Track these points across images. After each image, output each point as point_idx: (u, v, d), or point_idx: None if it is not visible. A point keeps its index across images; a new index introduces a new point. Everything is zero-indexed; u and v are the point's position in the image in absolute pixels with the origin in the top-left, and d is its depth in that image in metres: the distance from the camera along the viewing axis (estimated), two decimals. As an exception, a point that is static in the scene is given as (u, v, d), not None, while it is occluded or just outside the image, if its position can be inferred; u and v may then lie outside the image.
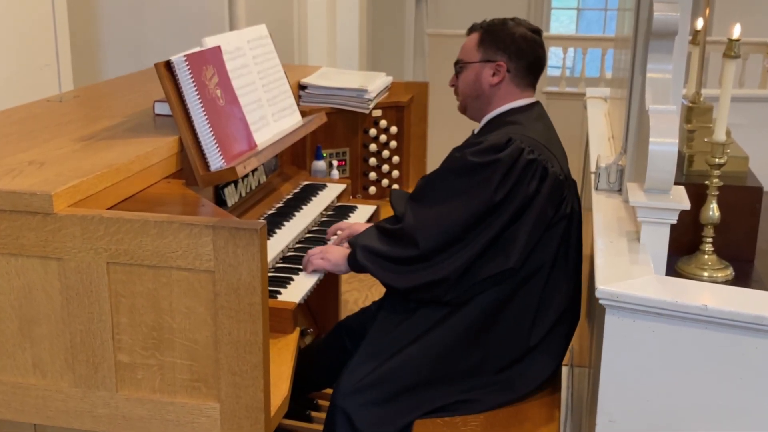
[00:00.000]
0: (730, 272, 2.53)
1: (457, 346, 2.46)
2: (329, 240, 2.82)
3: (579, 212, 2.58)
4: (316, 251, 2.58)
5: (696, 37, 3.06)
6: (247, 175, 2.83)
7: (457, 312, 2.46)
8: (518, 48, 2.62)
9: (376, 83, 3.50)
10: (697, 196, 2.51)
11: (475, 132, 2.71)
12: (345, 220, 2.84)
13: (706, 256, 2.54)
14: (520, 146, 2.42)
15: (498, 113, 2.64)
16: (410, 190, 2.81)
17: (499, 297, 2.46)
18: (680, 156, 2.53)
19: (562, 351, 2.61)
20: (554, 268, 2.50)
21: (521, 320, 2.48)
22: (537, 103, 2.68)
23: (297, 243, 2.77)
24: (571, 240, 2.54)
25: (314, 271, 2.55)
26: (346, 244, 2.65)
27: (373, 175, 3.57)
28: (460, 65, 2.71)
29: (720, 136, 2.47)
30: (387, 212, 2.81)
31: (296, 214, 2.92)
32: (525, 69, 2.64)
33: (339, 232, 2.80)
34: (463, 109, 2.75)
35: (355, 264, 2.50)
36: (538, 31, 2.68)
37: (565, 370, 3.05)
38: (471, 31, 2.72)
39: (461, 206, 2.41)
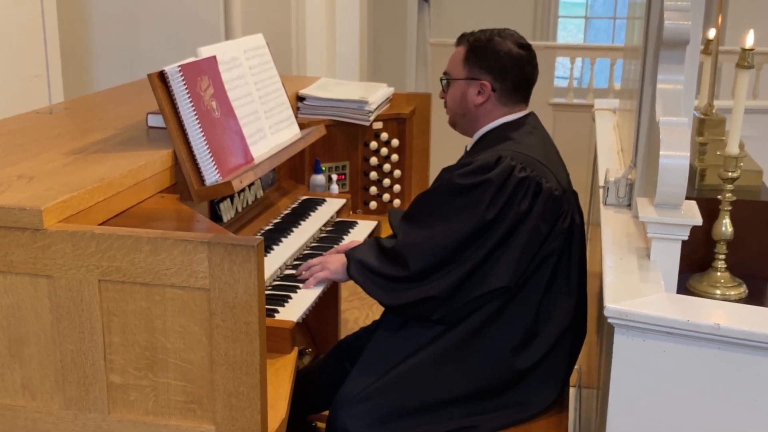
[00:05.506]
0: (743, 290, 2.49)
1: (447, 367, 2.45)
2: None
3: (581, 225, 2.57)
4: (314, 262, 2.57)
5: (708, 46, 3.06)
6: (243, 190, 2.81)
7: (447, 331, 2.46)
8: (503, 67, 2.58)
9: (376, 94, 3.47)
10: (710, 211, 2.47)
11: (468, 149, 2.70)
12: (339, 244, 2.82)
13: (718, 274, 2.50)
14: (511, 164, 2.41)
15: (489, 129, 2.63)
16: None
17: (491, 316, 2.44)
18: (692, 170, 2.52)
19: (566, 372, 2.58)
20: (553, 285, 2.49)
21: (514, 340, 2.45)
22: (530, 115, 2.66)
23: (295, 260, 2.74)
24: (572, 255, 2.52)
25: (318, 284, 2.53)
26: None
27: (373, 189, 3.54)
28: (446, 79, 2.70)
29: (733, 149, 2.44)
30: (388, 229, 2.82)
31: (294, 229, 2.89)
32: (511, 89, 2.60)
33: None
34: (453, 124, 2.75)
35: (350, 276, 2.52)
36: (526, 46, 2.62)
37: (572, 391, 3.02)
38: (459, 42, 2.69)
39: (451, 228, 2.41)
